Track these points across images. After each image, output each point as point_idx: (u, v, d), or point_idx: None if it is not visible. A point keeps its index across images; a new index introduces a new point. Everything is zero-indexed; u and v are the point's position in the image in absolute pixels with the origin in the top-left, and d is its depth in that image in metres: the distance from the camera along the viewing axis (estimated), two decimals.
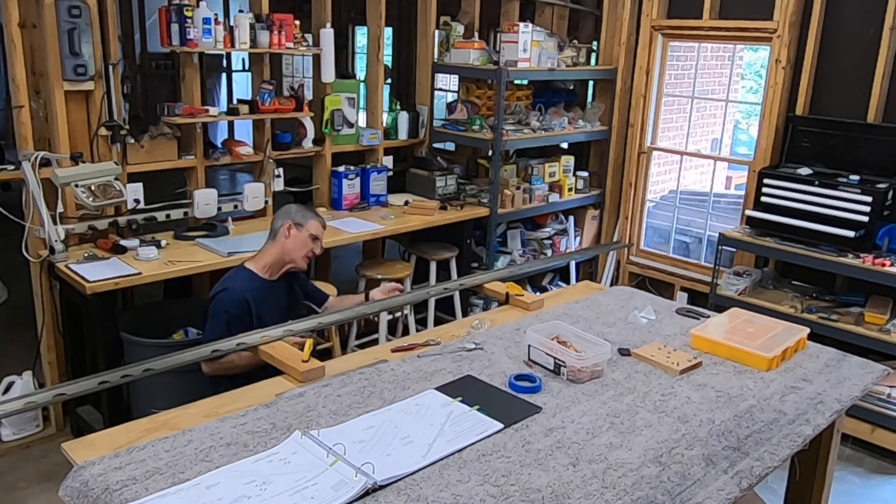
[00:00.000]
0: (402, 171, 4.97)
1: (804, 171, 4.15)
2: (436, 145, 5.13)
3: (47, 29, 3.27)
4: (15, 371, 3.58)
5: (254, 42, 3.86)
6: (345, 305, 3.15)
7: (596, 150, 5.51)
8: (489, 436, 1.89)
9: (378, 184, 4.63)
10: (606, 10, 5.11)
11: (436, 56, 4.84)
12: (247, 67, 8.95)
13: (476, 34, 4.88)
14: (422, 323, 4.67)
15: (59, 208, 3.40)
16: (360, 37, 8.05)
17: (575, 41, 5.23)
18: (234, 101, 5.45)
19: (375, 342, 4.10)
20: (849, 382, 2.33)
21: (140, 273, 3.25)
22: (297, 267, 3.00)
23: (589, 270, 5.58)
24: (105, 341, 3.27)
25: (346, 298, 3.30)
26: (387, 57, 5.28)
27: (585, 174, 5.32)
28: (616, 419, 2.01)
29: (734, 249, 4.53)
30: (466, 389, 2.13)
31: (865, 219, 3.81)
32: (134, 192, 3.68)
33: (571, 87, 5.63)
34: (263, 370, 2.46)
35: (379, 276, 4.17)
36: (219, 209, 3.97)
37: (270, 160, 4.16)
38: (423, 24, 4.78)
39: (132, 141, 3.65)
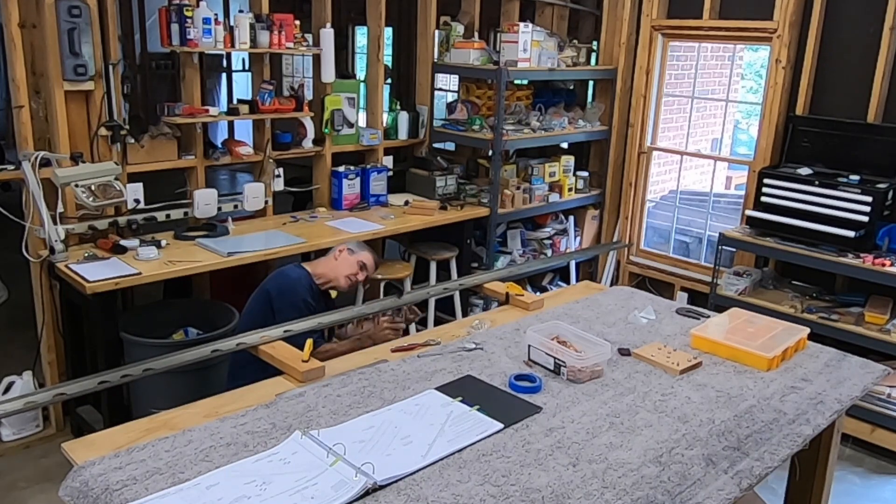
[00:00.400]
0: (402, 171, 4.97)
1: (804, 171, 4.15)
2: (436, 145, 5.13)
3: (47, 29, 3.27)
4: (15, 371, 3.58)
5: (254, 42, 3.86)
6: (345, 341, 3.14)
7: (596, 150, 5.50)
8: (489, 436, 1.89)
9: (378, 184, 4.63)
10: (606, 10, 5.11)
11: (436, 56, 4.84)
12: (247, 67, 8.95)
13: (476, 34, 4.88)
14: (422, 323, 4.67)
15: (59, 208, 3.40)
16: (360, 37, 8.04)
17: (575, 41, 5.23)
18: (234, 101, 5.45)
19: None
20: (849, 382, 2.33)
21: (140, 273, 3.25)
22: (339, 287, 3.15)
23: (589, 270, 5.58)
24: (105, 341, 3.26)
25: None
26: (387, 57, 5.27)
27: (585, 174, 5.32)
28: (616, 419, 2.01)
29: (734, 249, 4.53)
30: (466, 389, 2.13)
31: (865, 219, 3.80)
32: (134, 192, 3.68)
33: (571, 87, 5.63)
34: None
35: (379, 276, 4.17)
36: (219, 209, 3.97)
37: (270, 160, 4.16)
38: (423, 24, 4.77)
39: (132, 141, 3.65)
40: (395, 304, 3.03)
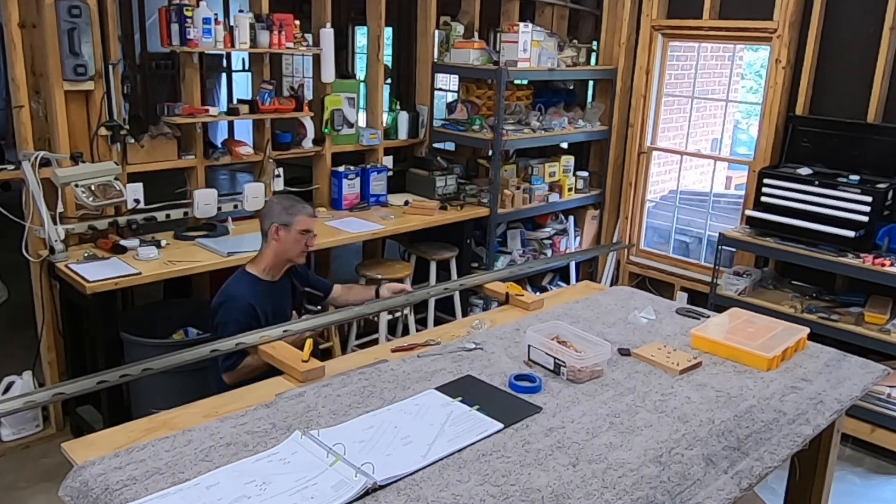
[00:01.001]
0: (402, 171, 4.97)
1: (804, 171, 4.15)
2: (436, 145, 5.13)
3: (47, 29, 3.27)
4: (15, 371, 3.58)
5: (254, 42, 3.86)
6: (353, 297, 3.18)
7: (596, 150, 5.50)
8: (489, 436, 1.89)
9: (378, 184, 4.63)
10: (606, 10, 5.11)
11: (436, 56, 4.84)
12: (247, 67, 8.95)
13: (476, 34, 4.88)
14: (422, 323, 4.67)
15: (59, 208, 3.40)
16: (360, 37, 8.05)
17: (575, 41, 5.23)
18: (234, 101, 5.45)
19: (375, 342, 4.10)
20: (849, 382, 2.33)
21: (140, 273, 3.25)
22: (299, 262, 3.01)
23: (589, 270, 5.58)
24: (105, 341, 3.26)
25: (354, 289, 3.31)
26: (387, 57, 5.28)
27: (585, 174, 5.32)
28: (616, 419, 2.01)
29: (734, 249, 4.53)
30: (466, 389, 2.13)
31: (865, 219, 3.81)
32: (134, 192, 3.68)
33: (571, 87, 5.63)
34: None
35: (379, 276, 4.17)
36: (219, 209, 3.96)
37: (270, 160, 4.16)
38: (423, 24, 4.77)
39: (132, 141, 3.65)
40: (397, 304, 3.03)
